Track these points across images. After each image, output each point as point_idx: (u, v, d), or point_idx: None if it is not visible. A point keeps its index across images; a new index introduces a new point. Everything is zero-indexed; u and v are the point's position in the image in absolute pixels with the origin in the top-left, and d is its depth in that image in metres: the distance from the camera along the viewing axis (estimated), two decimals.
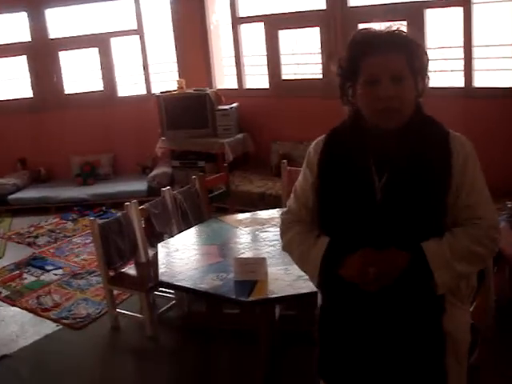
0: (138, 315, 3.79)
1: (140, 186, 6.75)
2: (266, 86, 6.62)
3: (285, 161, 4.90)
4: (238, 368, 3.36)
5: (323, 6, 5.90)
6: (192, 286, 2.93)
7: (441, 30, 5.46)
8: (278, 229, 3.60)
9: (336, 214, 1.79)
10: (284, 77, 6.53)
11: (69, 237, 5.85)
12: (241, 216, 4.09)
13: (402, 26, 1.75)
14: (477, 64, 5.34)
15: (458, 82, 5.46)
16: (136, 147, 7.23)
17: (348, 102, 1.82)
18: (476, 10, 5.11)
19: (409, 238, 1.68)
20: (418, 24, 5.38)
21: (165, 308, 3.83)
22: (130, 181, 7.01)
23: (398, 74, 1.68)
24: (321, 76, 6.16)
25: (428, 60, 1.76)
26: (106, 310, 3.97)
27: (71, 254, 5.37)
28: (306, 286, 2.86)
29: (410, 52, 1.70)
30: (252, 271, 2.96)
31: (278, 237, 3.47)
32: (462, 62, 5.39)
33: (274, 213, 4.14)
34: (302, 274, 2.95)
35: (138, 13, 7.02)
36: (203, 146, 6.54)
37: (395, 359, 1.72)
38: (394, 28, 1.74)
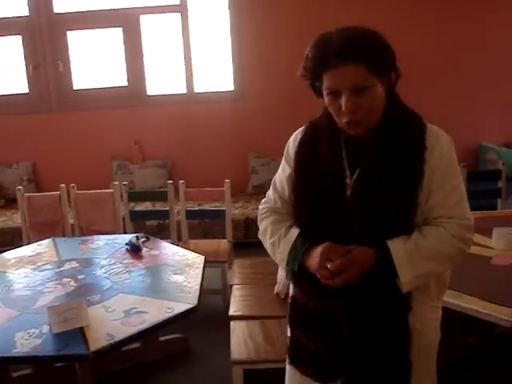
0: None
1: None
2: None
3: (20, 187, 4.30)
4: None
5: (25, 13, 5.29)
6: (9, 355, 2.31)
7: (158, 36, 5.40)
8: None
9: (306, 208, 1.77)
10: None
11: None
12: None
13: (358, 26, 1.62)
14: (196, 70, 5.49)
15: (181, 88, 5.53)
16: None
17: (322, 97, 1.72)
18: (191, 15, 5.20)
19: (376, 235, 1.64)
20: (133, 31, 5.24)
21: None
22: None
23: (359, 86, 1.57)
24: (27, 90, 5.52)
25: (393, 53, 1.64)
26: None
27: None
28: (140, 320, 2.55)
29: (371, 57, 1.56)
30: (72, 318, 2.50)
31: (71, 273, 3.07)
32: (184, 67, 5.46)
33: (37, 248, 3.57)
34: (128, 308, 2.64)
35: None
36: None
37: (360, 351, 1.70)
38: (353, 29, 1.60)
